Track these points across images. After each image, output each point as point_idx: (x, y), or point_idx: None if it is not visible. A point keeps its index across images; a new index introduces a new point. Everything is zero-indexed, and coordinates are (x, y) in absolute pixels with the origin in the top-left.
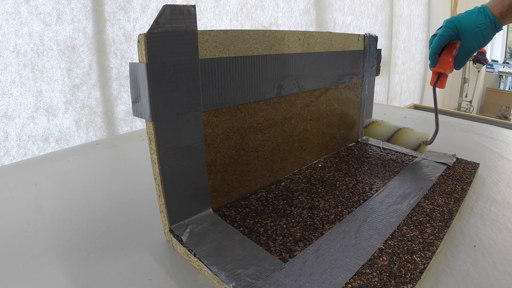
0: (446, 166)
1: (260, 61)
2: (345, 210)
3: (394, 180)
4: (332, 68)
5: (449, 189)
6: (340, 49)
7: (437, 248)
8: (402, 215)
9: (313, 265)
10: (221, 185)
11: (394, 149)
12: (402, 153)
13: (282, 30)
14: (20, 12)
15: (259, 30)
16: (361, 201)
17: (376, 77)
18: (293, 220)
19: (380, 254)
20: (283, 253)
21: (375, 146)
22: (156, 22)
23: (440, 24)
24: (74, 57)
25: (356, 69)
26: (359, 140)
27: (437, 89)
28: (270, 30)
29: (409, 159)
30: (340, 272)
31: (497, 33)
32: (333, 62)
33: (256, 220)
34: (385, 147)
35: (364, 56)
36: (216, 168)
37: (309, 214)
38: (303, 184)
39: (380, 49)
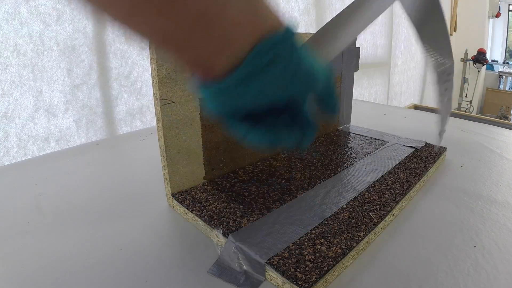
0: (414, 149)
1: None
2: (317, 181)
3: (365, 159)
4: None
5: (412, 167)
6: None
7: (392, 209)
8: (366, 184)
9: (286, 217)
10: (214, 159)
11: (371, 136)
12: (377, 139)
13: None
14: (20, 12)
15: None
16: (332, 174)
17: (376, 77)
18: (273, 188)
19: (342, 211)
20: (263, 210)
21: (354, 133)
22: None
23: None
24: (74, 57)
25: (335, 65)
26: (339, 128)
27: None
28: None
29: (382, 143)
30: (308, 223)
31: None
32: None
33: (243, 187)
34: (364, 134)
35: (342, 53)
36: (211, 145)
37: (287, 183)
38: (284, 162)
39: (359, 47)
